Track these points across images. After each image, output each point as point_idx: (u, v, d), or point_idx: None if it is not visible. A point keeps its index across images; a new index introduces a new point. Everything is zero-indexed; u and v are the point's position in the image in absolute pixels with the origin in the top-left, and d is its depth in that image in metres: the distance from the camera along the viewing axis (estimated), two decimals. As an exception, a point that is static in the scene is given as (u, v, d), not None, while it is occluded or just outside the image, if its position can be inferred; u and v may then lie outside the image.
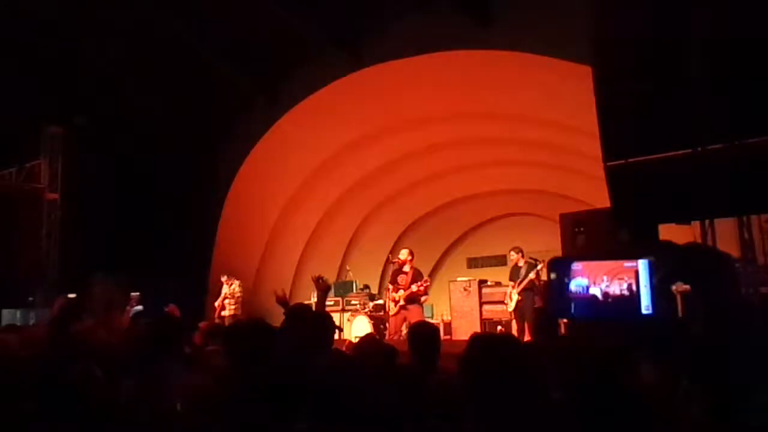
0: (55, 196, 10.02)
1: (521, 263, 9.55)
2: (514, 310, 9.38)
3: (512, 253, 9.68)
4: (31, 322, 9.25)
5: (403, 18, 9.17)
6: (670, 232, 5.26)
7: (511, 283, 9.69)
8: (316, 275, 5.00)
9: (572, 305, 3.80)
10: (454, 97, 10.17)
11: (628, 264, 3.65)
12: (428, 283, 9.39)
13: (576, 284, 3.75)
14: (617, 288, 3.65)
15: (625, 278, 3.63)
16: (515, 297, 9.34)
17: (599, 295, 3.68)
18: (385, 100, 10.62)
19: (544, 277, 8.84)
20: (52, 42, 10.00)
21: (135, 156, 10.72)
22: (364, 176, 12.69)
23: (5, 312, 9.39)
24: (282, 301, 4.69)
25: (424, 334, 3.68)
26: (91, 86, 10.49)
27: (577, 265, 3.85)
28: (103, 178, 10.38)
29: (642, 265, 3.59)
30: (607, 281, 3.69)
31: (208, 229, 12.21)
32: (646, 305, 3.59)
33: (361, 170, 12.53)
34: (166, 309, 7.81)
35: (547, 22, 7.68)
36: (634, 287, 3.59)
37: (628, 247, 5.33)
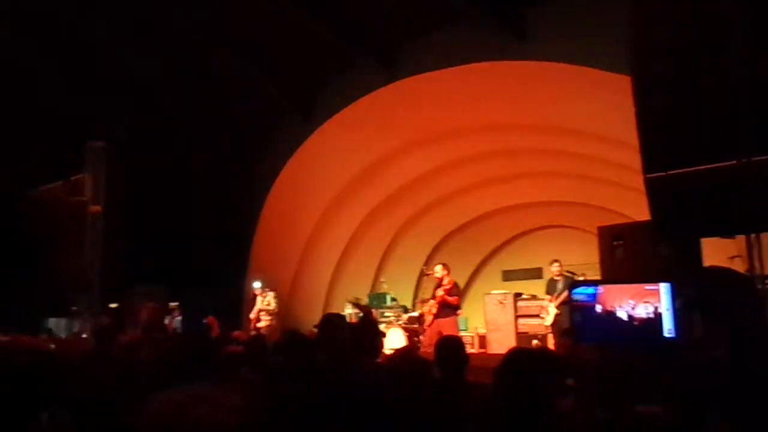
0: (98, 208, 10.25)
1: (558, 277, 9.45)
2: (552, 324, 9.27)
3: (554, 265, 9.58)
4: (74, 330, 9.46)
5: (437, 30, 9.20)
6: (713, 246, 5.16)
7: (548, 296, 9.59)
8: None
9: (597, 328, 3.77)
10: (490, 108, 10.14)
11: (649, 287, 3.62)
12: (452, 283, 9.29)
13: (600, 308, 3.73)
14: (642, 311, 3.61)
15: (650, 301, 3.59)
16: (553, 311, 9.24)
17: (625, 318, 3.65)
18: (420, 112, 10.64)
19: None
20: (95, 59, 10.29)
21: (174, 169, 10.94)
22: (398, 188, 12.71)
23: (51, 321, 9.62)
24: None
25: (449, 347, 3.70)
26: (132, 101, 10.75)
27: (601, 289, 3.82)
28: (144, 190, 10.60)
29: (663, 288, 3.55)
30: (633, 303, 3.65)
31: (244, 241, 12.37)
32: (668, 328, 3.55)
33: (396, 182, 12.55)
34: (206, 321, 7.93)
35: (583, 32, 7.62)
36: (658, 310, 3.55)
37: (668, 261, 5.24)
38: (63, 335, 9.11)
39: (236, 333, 6.78)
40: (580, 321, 3.92)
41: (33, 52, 9.88)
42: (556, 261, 9.65)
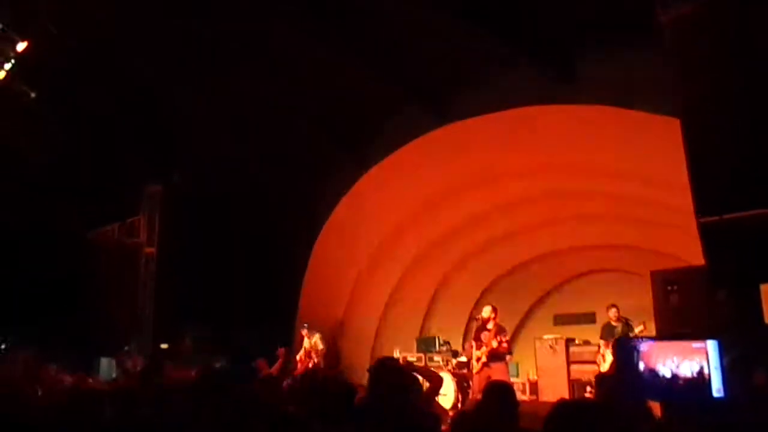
0: (152, 250, 10.56)
1: (616, 323, 9.20)
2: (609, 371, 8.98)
3: (612, 310, 9.37)
4: (128, 368, 9.65)
5: (487, 74, 9.25)
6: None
7: (602, 341, 9.32)
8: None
9: (643, 386, 3.64)
10: (539, 151, 10.08)
11: (696, 345, 3.48)
12: (507, 339, 9.20)
13: (645, 365, 3.60)
14: (687, 369, 3.47)
15: (696, 359, 3.45)
16: (609, 358, 8.93)
17: (669, 376, 3.51)
18: (470, 156, 10.65)
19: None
20: (154, 105, 10.71)
21: (226, 212, 11.19)
22: (448, 230, 12.67)
23: (103, 360, 9.84)
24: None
25: (497, 394, 3.61)
26: (188, 147, 11.11)
27: (644, 345, 3.71)
28: (196, 233, 10.87)
29: (711, 345, 3.41)
30: (677, 362, 3.52)
31: (294, 283, 12.47)
32: (717, 388, 3.39)
33: (446, 224, 12.53)
34: (255, 363, 8.02)
35: (632, 75, 7.56)
36: (705, 369, 3.40)
37: (726, 307, 5.05)
38: (114, 375, 9.30)
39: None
40: (624, 376, 3.80)
41: (93, 98, 10.33)
42: (613, 306, 9.43)
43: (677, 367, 3.60)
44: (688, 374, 3.54)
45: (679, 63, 5.12)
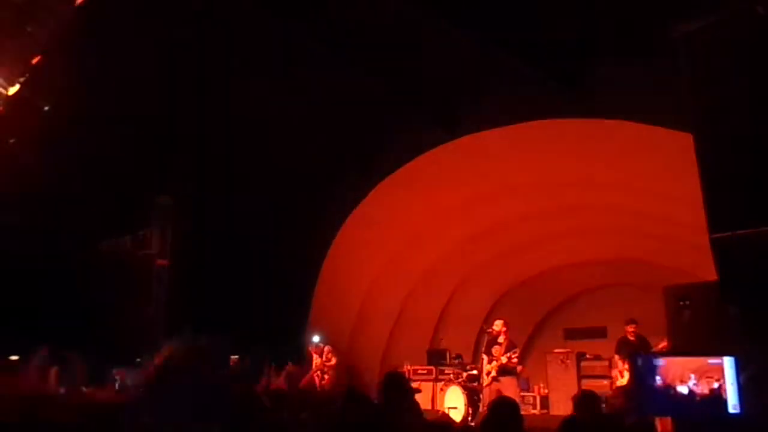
0: (164, 262, 10.59)
1: (633, 338, 9.13)
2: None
3: (631, 325, 9.29)
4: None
5: (497, 88, 9.27)
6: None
7: (617, 357, 9.25)
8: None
9: (659, 402, 3.63)
10: (550, 165, 10.09)
11: (712, 361, 3.48)
12: (517, 354, 9.18)
13: (661, 379, 3.60)
14: (706, 386, 3.47)
15: (714, 376, 3.45)
16: (627, 374, 8.81)
17: (685, 392, 3.50)
18: (480, 169, 10.67)
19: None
20: (163, 117, 10.78)
21: (237, 224, 11.23)
22: (458, 244, 12.67)
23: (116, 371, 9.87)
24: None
25: (501, 410, 3.63)
26: (199, 159, 11.17)
27: (661, 361, 3.70)
28: (209, 245, 10.91)
29: (727, 362, 3.41)
30: (695, 379, 3.51)
31: (304, 295, 12.49)
32: (733, 404, 3.39)
33: (456, 238, 12.53)
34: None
35: (644, 90, 7.57)
36: (721, 386, 3.40)
37: (738, 322, 5.02)
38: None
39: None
40: (641, 392, 3.79)
41: (103, 109, 10.41)
42: (633, 322, 9.35)
43: (694, 383, 3.58)
44: (705, 390, 3.53)
45: (691, 78, 5.12)
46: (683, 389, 3.61)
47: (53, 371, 7.26)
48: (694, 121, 5.04)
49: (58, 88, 9.88)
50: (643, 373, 3.77)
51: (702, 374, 3.56)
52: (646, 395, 3.74)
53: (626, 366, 8.90)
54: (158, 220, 10.97)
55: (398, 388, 3.90)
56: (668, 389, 3.65)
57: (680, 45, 5.26)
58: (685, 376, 3.62)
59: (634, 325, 9.29)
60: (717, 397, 3.46)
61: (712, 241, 4.74)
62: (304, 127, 11.08)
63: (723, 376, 3.47)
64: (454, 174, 10.86)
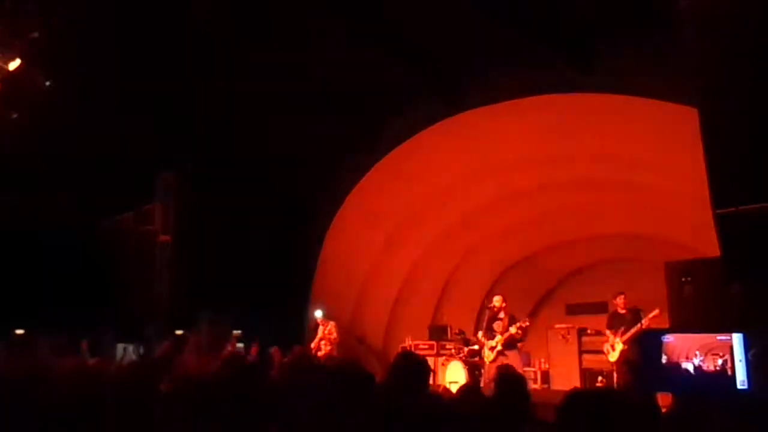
0: (167, 237, 10.61)
1: (623, 310, 9.08)
2: (617, 361, 8.88)
3: (619, 297, 9.15)
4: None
5: (502, 63, 9.19)
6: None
7: (609, 331, 9.20)
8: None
9: (665, 378, 3.64)
10: (555, 140, 10.03)
11: (721, 337, 3.48)
12: (527, 324, 9.19)
13: (666, 357, 3.60)
14: (711, 363, 3.47)
15: (720, 353, 3.45)
16: (619, 347, 8.84)
17: (692, 370, 3.51)
18: (483, 144, 10.62)
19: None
20: (166, 93, 10.72)
21: (240, 200, 11.23)
22: (460, 219, 12.67)
23: (119, 347, 9.97)
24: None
25: (510, 383, 3.63)
26: (201, 134, 11.14)
27: (668, 338, 3.70)
28: (211, 221, 10.92)
29: (736, 338, 3.41)
30: (701, 356, 3.51)
31: (307, 271, 12.53)
32: (741, 380, 3.40)
33: (458, 213, 12.52)
34: (271, 351, 8.11)
35: (650, 64, 7.49)
36: (729, 362, 3.40)
37: (740, 300, 5.02)
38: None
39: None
40: (646, 368, 3.81)
41: (105, 84, 10.36)
42: (621, 293, 9.24)
43: (700, 360, 3.59)
44: (711, 367, 3.54)
45: (697, 52, 5.07)
46: (689, 366, 3.62)
47: (84, 343, 7.38)
48: (700, 95, 4.99)
49: (59, 63, 9.83)
50: (648, 350, 3.78)
51: (708, 351, 3.57)
52: (652, 372, 3.75)
53: (617, 340, 8.90)
54: (161, 195, 10.97)
55: (417, 372, 3.72)
56: (674, 366, 3.66)
57: (687, 18, 5.20)
58: (690, 353, 3.63)
59: (622, 296, 9.15)
60: (724, 373, 3.48)
61: (716, 216, 4.72)
62: (306, 103, 11.03)
63: (730, 353, 3.47)
64: (457, 149, 10.82)
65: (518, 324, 8.86)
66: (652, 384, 3.91)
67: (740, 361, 3.41)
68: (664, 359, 3.69)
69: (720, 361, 3.50)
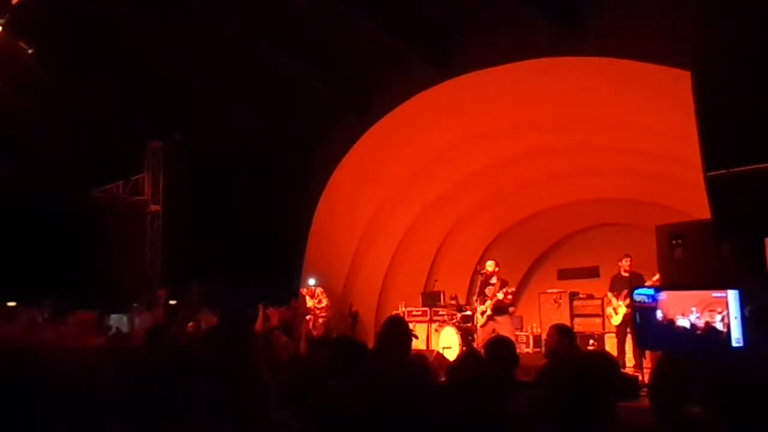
0: (157, 207, 10.57)
1: (627, 273, 8.93)
2: (620, 324, 8.86)
3: (625, 260, 8.98)
4: (136, 325, 9.79)
5: (493, 26, 9.08)
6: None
7: (611, 294, 9.11)
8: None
9: (659, 336, 3.64)
10: (546, 105, 9.97)
11: (716, 294, 3.47)
12: (513, 290, 9.24)
13: (662, 314, 3.59)
14: (707, 320, 3.46)
15: (717, 309, 3.44)
16: (622, 311, 8.74)
17: (688, 327, 3.50)
18: (475, 110, 10.54)
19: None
20: (153, 61, 10.58)
21: (230, 168, 11.16)
22: (452, 186, 12.64)
23: (113, 317, 9.97)
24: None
25: (500, 349, 3.68)
26: (190, 102, 11.02)
27: (663, 295, 3.69)
28: (201, 189, 10.86)
29: (732, 295, 3.40)
30: (697, 313, 3.51)
31: (299, 238, 12.52)
32: (736, 338, 3.40)
33: (450, 179, 12.48)
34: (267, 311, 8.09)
35: (642, 27, 7.40)
36: (725, 319, 3.40)
37: (730, 262, 5.04)
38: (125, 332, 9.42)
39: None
40: (640, 325, 3.82)
41: (93, 54, 10.20)
42: (627, 256, 9.01)
43: (696, 316, 3.60)
44: (707, 325, 3.54)
45: (690, 15, 5.01)
46: (684, 322, 3.62)
47: (37, 314, 7.34)
48: (693, 58, 4.94)
49: (43, 30, 9.66)
50: (642, 307, 3.79)
51: (705, 307, 3.57)
52: (647, 329, 3.76)
53: (620, 303, 8.85)
54: (150, 165, 10.89)
55: (400, 330, 3.90)
56: (669, 324, 3.67)
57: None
58: (686, 309, 3.63)
59: (628, 259, 8.97)
60: (719, 331, 3.49)
61: (707, 179, 4.72)
62: (296, 70, 10.90)
63: (727, 308, 3.48)
64: (447, 115, 10.74)
65: (505, 290, 8.89)
66: (647, 342, 3.93)
67: (735, 318, 3.42)
68: (659, 316, 3.70)
69: (718, 317, 3.50)
